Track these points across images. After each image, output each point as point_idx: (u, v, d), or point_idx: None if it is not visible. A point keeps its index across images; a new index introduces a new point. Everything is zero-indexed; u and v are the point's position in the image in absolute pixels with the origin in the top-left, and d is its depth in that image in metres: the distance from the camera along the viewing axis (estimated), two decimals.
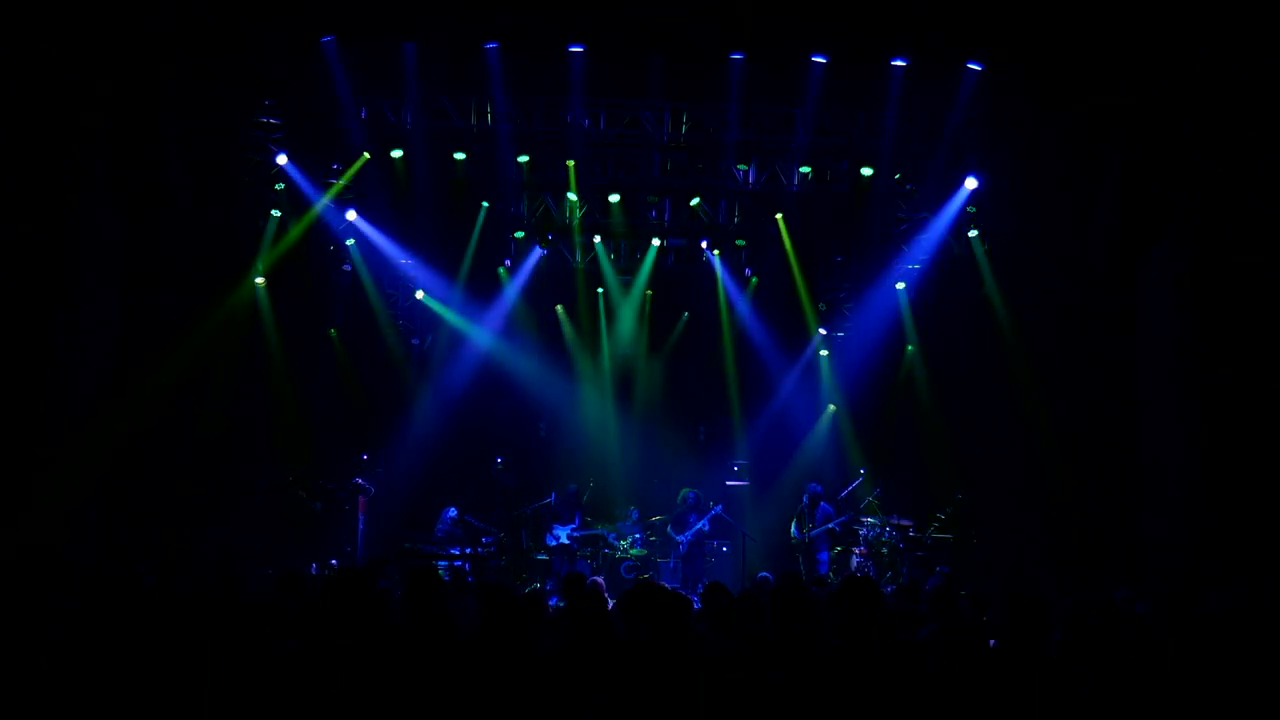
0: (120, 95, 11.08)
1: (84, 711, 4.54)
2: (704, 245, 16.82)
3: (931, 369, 15.65)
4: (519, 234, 16.86)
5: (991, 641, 5.47)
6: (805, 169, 16.01)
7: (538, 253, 16.78)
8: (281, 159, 14.36)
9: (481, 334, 16.88)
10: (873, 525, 14.52)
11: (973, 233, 14.92)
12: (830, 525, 13.86)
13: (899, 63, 13.88)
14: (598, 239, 16.85)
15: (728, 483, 16.54)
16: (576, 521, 14.28)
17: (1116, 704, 4.51)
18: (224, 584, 7.70)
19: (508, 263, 16.96)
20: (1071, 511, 12.72)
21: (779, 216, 16.57)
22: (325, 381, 15.43)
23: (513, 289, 16.94)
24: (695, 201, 16.45)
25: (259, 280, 14.50)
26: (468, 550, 13.15)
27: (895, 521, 14.45)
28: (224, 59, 12.18)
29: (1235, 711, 4.59)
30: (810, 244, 17.12)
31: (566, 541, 14.12)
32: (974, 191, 14.81)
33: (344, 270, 15.99)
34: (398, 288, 16.97)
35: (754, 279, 17.19)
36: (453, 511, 14.26)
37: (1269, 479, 10.39)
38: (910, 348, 16.04)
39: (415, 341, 16.89)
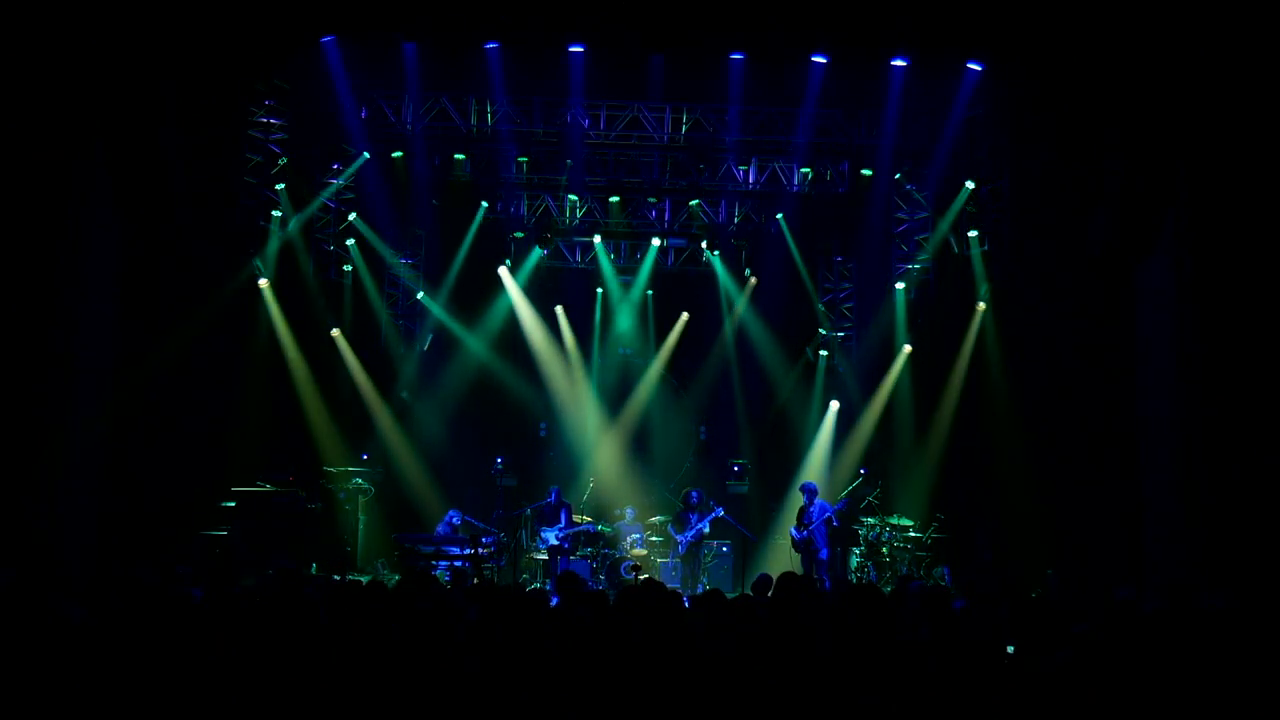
0: (119, 95, 11.06)
1: (85, 712, 4.54)
2: (704, 245, 16.84)
3: (930, 369, 15.64)
4: (519, 234, 16.87)
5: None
6: (805, 169, 16.05)
7: (537, 253, 16.79)
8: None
9: (481, 334, 16.87)
10: (873, 525, 14.53)
11: (972, 233, 14.92)
12: (827, 515, 13.80)
13: (899, 63, 13.89)
14: (598, 239, 16.86)
15: (727, 483, 16.55)
16: (563, 522, 14.27)
17: (1121, 703, 4.51)
18: (224, 585, 7.70)
19: (508, 263, 16.96)
20: (1072, 512, 12.71)
21: (779, 216, 16.60)
22: (326, 382, 15.43)
23: (512, 289, 16.93)
24: (695, 202, 16.48)
25: (262, 282, 14.50)
26: (467, 550, 13.15)
27: (895, 521, 14.46)
28: (224, 59, 12.16)
29: (1238, 710, 4.59)
30: (810, 244, 17.16)
31: (556, 542, 14.11)
32: (973, 191, 14.82)
33: (345, 270, 16.00)
34: (398, 288, 16.98)
35: (753, 279, 17.19)
36: (455, 514, 14.27)
37: (1269, 478, 10.38)
38: (908, 348, 16.03)
39: (415, 342, 16.89)
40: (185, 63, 11.67)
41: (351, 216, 15.79)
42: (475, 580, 12.22)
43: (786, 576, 6.81)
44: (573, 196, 16.49)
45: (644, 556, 14.53)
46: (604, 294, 17.57)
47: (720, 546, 15.06)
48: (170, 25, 11.24)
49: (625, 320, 17.53)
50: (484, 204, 16.46)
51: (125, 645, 4.93)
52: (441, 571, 12.79)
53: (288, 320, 14.80)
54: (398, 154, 15.54)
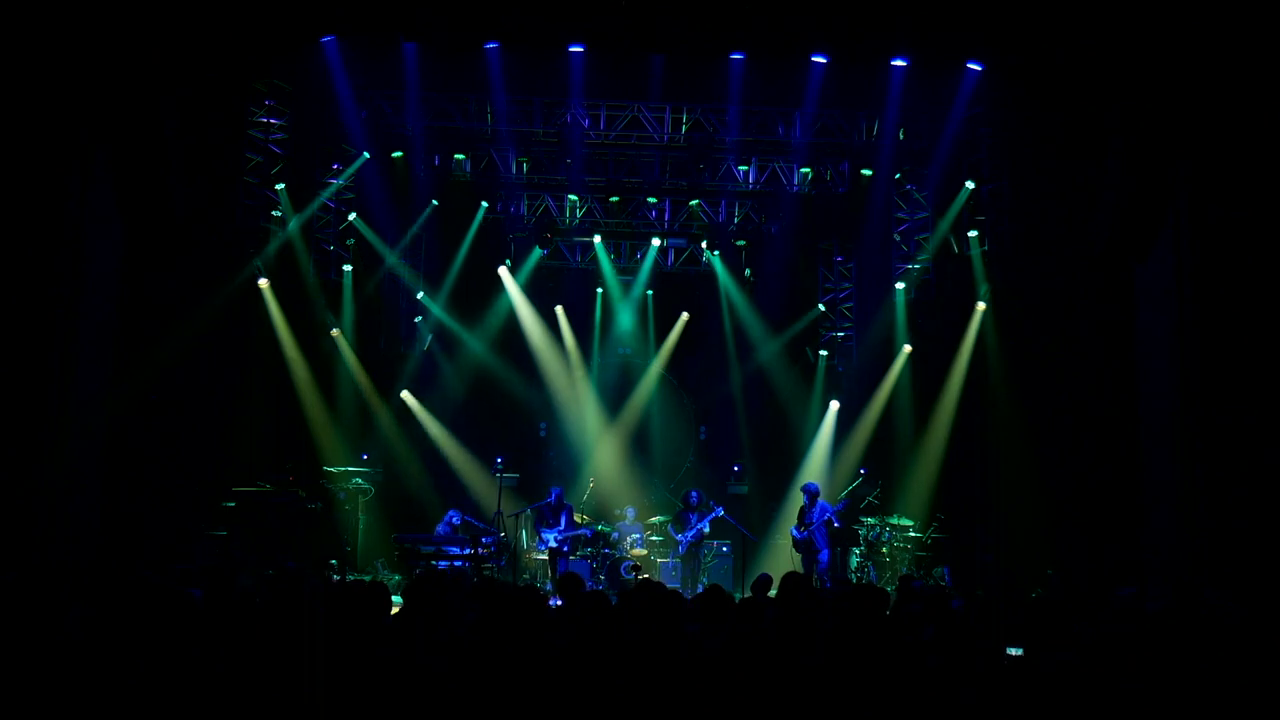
0: (119, 95, 11.05)
1: (86, 713, 4.54)
2: (704, 245, 16.84)
3: (930, 369, 15.64)
4: (519, 234, 16.87)
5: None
6: (805, 169, 16.05)
7: (537, 253, 16.78)
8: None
9: (481, 334, 16.87)
10: (873, 525, 14.53)
11: (972, 233, 14.92)
12: (827, 516, 13.82)
13: (899, 63, 13.89)
14: (598, 239, 16.86)
15: (727, 483, 16.55)
16: (563, 524, 14.27)
17: (1125, 703, 4.51)
18: (224, 585, 7.68)
19: (508, 263, 16.96)
20: (1072, 512, 12.71)
21: (779, 216, 16.60)
22: (326, 382, 15.43)
23: (512, 289, 16.93)
24: (695, 202, 16.47)
25: (262, 282, 14.49)
26: (467, 550, 13.16)
27: (895, 521, 14.46)
28: (223, 59, 12.15)
29: (1245, 709, 4.59)
30: (810, 244, 17.16)
31: (555, 545, 14.11)
32: (973, 191, 14.81)
33: (344, 270, 15.99)
34: (398, 287, 16.97)
35: (753, 279, 17.19)
36: (455, 514, 14.27)
37: (1269, 477, 10.38)
38: (908, 348, 16.03)
39: (415, 342, 16.88)
40: (185, 63, 11.66)
41: (351, 216, 15.79)
42: (475, 580, 12.21)
43: (791, 576, 6.81)
44: (573, 196, 16.50)
45: (644, 556, 14.54)
46: (604, 294, 17.56)
47: (720, 546, 15.06)
48: (170, 25, 11.22)
49: (625, 320, 17.53)
50: (484, 204, 16.47)
51: (125, 645, 4.92)
52: (442, 571, 12.79)
53: (288, 320, 14.79)
54: (398, 154, 15.55)
